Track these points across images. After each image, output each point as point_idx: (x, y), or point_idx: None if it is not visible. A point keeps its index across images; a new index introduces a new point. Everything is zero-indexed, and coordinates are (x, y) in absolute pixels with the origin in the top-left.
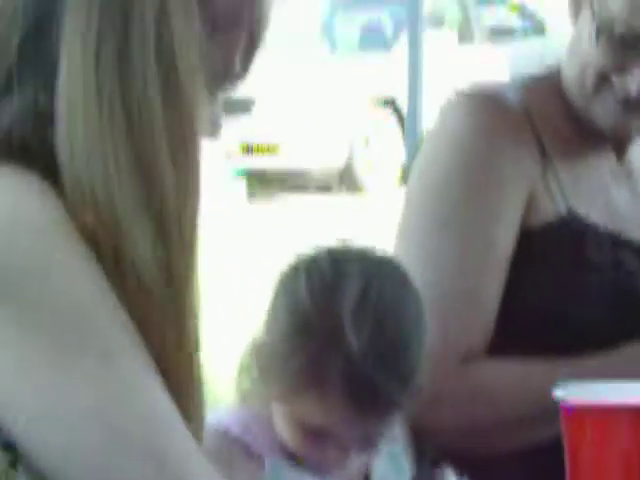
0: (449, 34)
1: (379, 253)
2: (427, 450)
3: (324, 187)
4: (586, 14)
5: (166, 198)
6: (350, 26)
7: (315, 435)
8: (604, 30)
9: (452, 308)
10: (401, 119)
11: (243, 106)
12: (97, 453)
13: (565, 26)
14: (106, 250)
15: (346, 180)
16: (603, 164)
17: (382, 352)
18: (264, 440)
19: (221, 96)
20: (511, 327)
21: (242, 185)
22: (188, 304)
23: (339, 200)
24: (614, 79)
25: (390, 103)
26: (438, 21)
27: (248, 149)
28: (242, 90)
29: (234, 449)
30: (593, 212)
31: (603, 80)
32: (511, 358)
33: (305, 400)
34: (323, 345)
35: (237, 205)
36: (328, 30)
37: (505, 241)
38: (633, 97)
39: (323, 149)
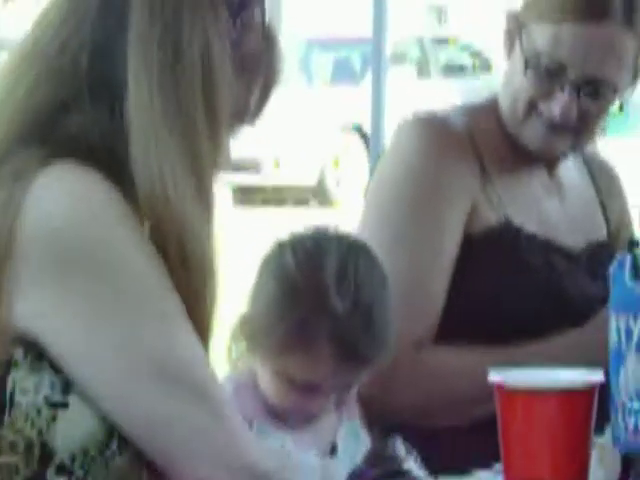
0: (409, 70)
1: (351, 236)
2: (375, 424)
3: (300, 201)
4: (517, 50)
5: (211, 202)
6: (324, 62)
7: (300, 389)
8: (531, 63)
9: (404, 303)
10: (367, 142)
11: None
12: (143, 384)
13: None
14: (172, 240)
15: (319, 195)
16: (536, 179)
17: (361, 314)
18: (252, 405)
19: (237, 130)
20: (456, 319)
21: (228, 196)
22: (216, 281)
23: (313, 213)
24: (541, 106)
25: (357, 129)
26: (400, 59)
27: (233, 166)
28: None
29: None
30: (527, 221)
31: (531, 108)
32: (458, 346)
33: (294, 358)
34: (311, 309)
35: (225, 213)
36: (305, 65)
37: (450, 246)
38: (557, 120)
39: (299, 167)
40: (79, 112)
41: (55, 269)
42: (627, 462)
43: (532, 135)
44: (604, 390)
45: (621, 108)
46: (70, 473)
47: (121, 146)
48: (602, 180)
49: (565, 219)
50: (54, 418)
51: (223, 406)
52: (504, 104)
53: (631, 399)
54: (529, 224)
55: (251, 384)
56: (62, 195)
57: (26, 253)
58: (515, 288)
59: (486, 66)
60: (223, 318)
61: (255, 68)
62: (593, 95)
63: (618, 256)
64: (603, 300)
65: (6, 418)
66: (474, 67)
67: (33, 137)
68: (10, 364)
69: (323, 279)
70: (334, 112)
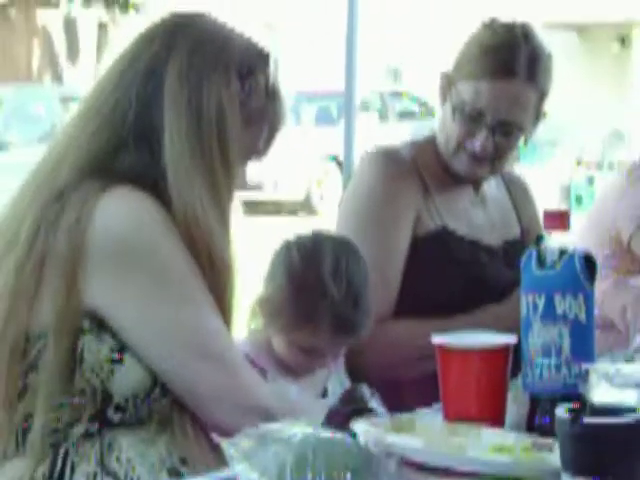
0: (373, 116)
1: (341, 237)
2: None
3: (292, 212)
4: (447, 101)
5: (228, 219)
6: (309, 109)
7: (305, 352)
8: (458, 110)
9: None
10: (341, 169)
11: None
12: (179, 349)
13: None
14: (202, 248)
15: (306, 208)
16: (464, 195)
17: (351, 298)
18: (266, 359)
19: (249, 164)
20: (407, 300)
21: (240, 208)
22: (236, 277)
23: (302, 221)
24: (466, 143)
25: (334, 159)
26: (366, 107)
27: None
28: None
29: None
30: (458, 226)
31: (459, 144)
32: (409, 319)
33: (302, 332)
34: (313, 295)
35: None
36: (295, 111)
37: (402, 245)
38: (478, 153)
39: (291, 187)
40: (126, 154)
41: (117, 265)
42: (534, 402)
43: (460, 164)
44: (517, 350)
45: (526, 142)
46: (124, 410)
47: (160, 179)
48: (516, 191)
49: (487, 223)
50: (112, 372)
51: (240, 368)
52: (440, 141)
53: (537, 355)
54: (460, 229)
55: (265, 346)
56: (121, 209)
57: (95, 254)
58: (449, 277)
59: (430, 112)
60: (241, 302)
61: (260, 119)
62: (505, 134)
63: (527, 250)
64: (516, 284)
65: (77, 371)
66: (421, 113)
67: (93, 173)
68: (80, 331)
69: (322, 271)
70: (317, 146)
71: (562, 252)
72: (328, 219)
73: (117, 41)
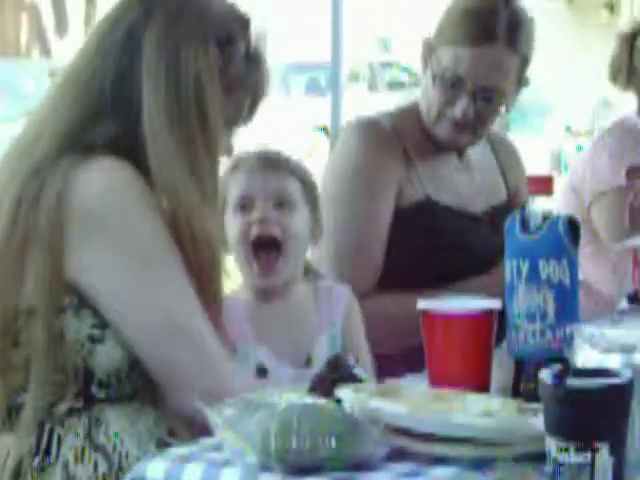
0: (362, 86)
1: None
2: None
3: None
4: (429, 69)
5: (211, 187)
6: (299, 81)
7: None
8: (438, 77)
9: (352, 263)
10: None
11: None
12: (151, 328)
13: None
14: (182, 220)
15: None
16: (448, 163)
17: None
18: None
19: (234, 130)
20: (392, 272)
21: None
22: (217, 250)
23: None
24: (447, 110)
25: (323, 129)
26: (355, 78)
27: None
28: None
29: None
30: (443, 196)
31: (440, 111)
32: (395, 292)
33: None
34: None
35: None
36: (285, 83)
37: (384, 214)
38: (459, 120)
39: None
40: (104, 124)
41: (93, 240)
42: (519, 366)
43: (442, 132)
44: (503, 315)
45: (508, 109)
46: (108, 386)
47: (139, 149)
48: (502, 153)
49: (472, 189)
50: (93, 349)
51: (211, 354)
52: (422, 106)
53: (521, 319)
54: (444, 198)
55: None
56: (98, 183)
57: (74, 229)
58: (434, 247)
59: (420, 83)
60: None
61: (242, 87)
62: (486, 100)
63: (511, 215)
64: (502, 249)
65: (57, 350)
66: (411, 84)
67: (71, 145)
68: (60, 310)
69: None
70: (307, 117)
71: (546, 217)
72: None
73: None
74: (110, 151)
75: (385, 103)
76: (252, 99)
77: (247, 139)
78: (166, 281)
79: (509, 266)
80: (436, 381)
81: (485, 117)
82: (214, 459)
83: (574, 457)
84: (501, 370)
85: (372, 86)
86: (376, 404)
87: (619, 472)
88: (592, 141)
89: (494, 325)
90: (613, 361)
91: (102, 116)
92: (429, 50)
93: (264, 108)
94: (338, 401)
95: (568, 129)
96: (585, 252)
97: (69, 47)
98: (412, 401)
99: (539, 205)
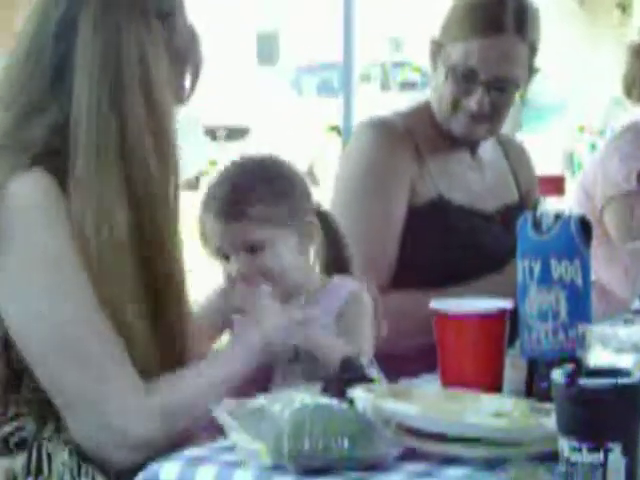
0: (374, 86)
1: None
2: None
3: None
4: (439, 66)
5: (150, 177)
6: (311, 81)
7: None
8: (450, 72)
9: (366, 260)
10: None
11: (243, 132)
12: (46, 339)
13: None
14: (138, 180)
15: (309, 179)
16: (461, 160)
17: (229, 182)
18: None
19: (179, 105)
20: (406, 271)
21: None
22: (175, 213)
23: None
24: (462, 103)
25: (336, 129)
26: (367, 78)
27: None
28: (242, 121)
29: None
30: (455, 194)
31: (455, 105)
32: (408, 290)
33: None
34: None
35: None
36: (297, 84)
37: (398, 212)
38: (475, 111)
39: (295, 158)
40: (40, 118)
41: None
42: (531, 366)
43: (458, 126)
44: (515, 315)
45: (522, 98)
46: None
47: (72, 149)
48: (513, 155)
49: (484, 188)
50: None
51: (108, 383)
52: (434, 104)
53: (533, 319)
54: (456, 196)
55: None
56: (14, 202)
57: None
58: (447, 246)
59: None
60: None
61: (185, 59)
62: (499, 90)
63: (523, 215)
64: (514, 249)
65: (23, 381)
66: (423, 84)
67: (14, 141)
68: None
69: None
70: (319, 118)
71: (558, 216)
72: (330, 188)
73: None
74: (47, 152)
75: (397, 103)
76: (193, 71)
77: (264, 139)
78: (68, 302)
79: (521, 266)
80: (448, 381)
81: (500, 107)
82: (227, 460)
83: (587, 457)
84: (514, 370)
85: (384, 86)
86: (389, 404)
87: (632, 472)
88: (604, 144)
89: (506, 325)
90: (625, 361)
91: (38, 112)
92: (438, 48)
93: (276, 109)
94: (350, 402)
95: (581, 128)
96: (598, 254)
97: None
98: (424, 401)
99: (551, 205)
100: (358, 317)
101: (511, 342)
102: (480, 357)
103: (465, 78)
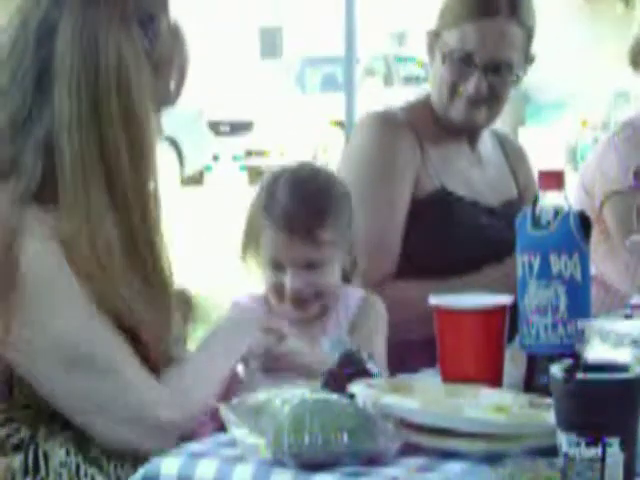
0: (377, 80)
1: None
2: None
3: None
4: (436, 54)
5: (127, 185)
6: (315, 76)
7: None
8: (447, 57)
9: (370, 251)
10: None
11: (247, 126)
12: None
13: None
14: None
15: None
16: (461, 154)
17: (299, 198)
18: (258, 306)
19: (163, 111)
20: (409, 261)
21: (244, 176)
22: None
23: None
24: (460, 88)
25: (340, 124)
26: (370, 72)
27: (249, 153)
28: (246, 115)
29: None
30: (457, 187)
31: (453, 90)
32: (411, 281)
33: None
34: (264, 202)
35: (240, 188)
36: (300, 79)
37: (401, 203)
38: (473, 95)
39: (299, 152)
40: (25, 133)
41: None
42: (531, 361)
43: (457, 113)
44: (515, 311)
45: (517, 83)
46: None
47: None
48: (511, 152)
49: (485, 183)
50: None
51: (126, 381)
52: (433, 95)
53: (533, 314)
54: (459, 189)
55: (258, 298)
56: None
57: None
58: (450, 238)
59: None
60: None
61: (169, 61)
62: (496, 73)
63: (522, 210)
64: (514, 243)
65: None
66: (426, 78)
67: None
68: None
69: (275, 187)
70: (323, 112)
71: (557, 211)
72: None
73: None
74: (39, 183)
75: (401, 98)
76: (178, 74)
77: (266, 135)
78: (63, 310)
79: (520, 261)
80: (449, 376)
81: (497, 91)
82: (228, 455)
83: (585, 452)
84: (513, 365)
85: (388, 81)
86: (389, 399)
87: (630, 467)
88: (602, 141)
89: (506, 320)
90: (624, 355)
91: (30, 132)
92: (434, 38)
93: (279, 103)
94: (351, 396)
95: (584, 122)
96: (599, 251)
97: None
98: (424, 396)
99: (550, 200)
100: (371, 331)
101: (511, 337)
102: (480, 352)
103: (462, 62)
